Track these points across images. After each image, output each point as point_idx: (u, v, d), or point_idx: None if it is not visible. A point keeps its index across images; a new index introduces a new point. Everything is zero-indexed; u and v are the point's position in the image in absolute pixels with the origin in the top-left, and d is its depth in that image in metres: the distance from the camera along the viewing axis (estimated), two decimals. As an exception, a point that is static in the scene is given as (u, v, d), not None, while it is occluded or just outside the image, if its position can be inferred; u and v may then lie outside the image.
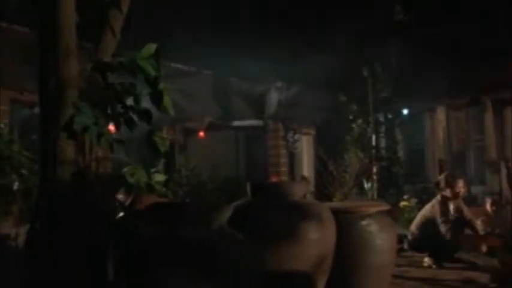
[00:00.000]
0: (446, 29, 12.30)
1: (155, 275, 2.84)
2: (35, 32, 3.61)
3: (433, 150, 14.86)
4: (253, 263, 3.19)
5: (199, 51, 11.27)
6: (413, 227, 6.71)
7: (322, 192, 10.21)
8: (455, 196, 6.56)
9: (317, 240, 3.71)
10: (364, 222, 4.16)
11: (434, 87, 13.05)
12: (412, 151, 15.29)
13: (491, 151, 13.67)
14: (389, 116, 13.79)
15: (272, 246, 3.60)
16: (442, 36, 12.61)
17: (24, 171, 5.09)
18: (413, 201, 9.83)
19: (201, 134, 13.60)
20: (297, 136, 14.65)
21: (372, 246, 4.14)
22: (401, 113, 14.15)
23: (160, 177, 3.69)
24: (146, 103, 3.47)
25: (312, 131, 15.37)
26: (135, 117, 3.50)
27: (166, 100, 3.44)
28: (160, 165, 8.21)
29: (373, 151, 12.93)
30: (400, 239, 6.26)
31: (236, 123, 14.11)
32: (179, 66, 11.95)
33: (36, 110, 3.60)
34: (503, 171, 11.13)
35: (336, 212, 4.01)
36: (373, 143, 13.12)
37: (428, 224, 6.50)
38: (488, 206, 8.02)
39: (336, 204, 6.38)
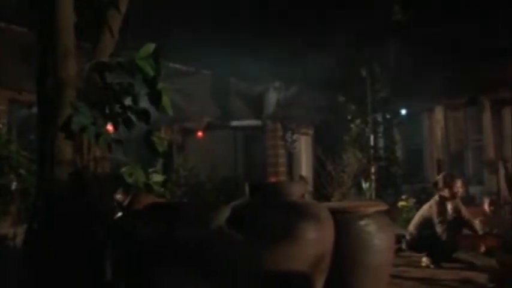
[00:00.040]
0: (445, 29, 12.30)
1: (153, 275, 2.84)
2: (33, 32, 3.62)
3: (431, 150, 14.87)
4: (251, 263, 3.19)
5: (198, 51, 11.27)
6: (412, 227, 6.72)
7: (321, 192, 10.22)
8: (453, 196, 6.57)
9: (315, 240, 3.71)
10: (362, 222, 4.16)
11: (432, 87, 13.05)
12: (410, 151, 15.30)
13: (489, 151, 13.68)
14: (388, 116, 13.79)
15: (270, 246, 3.61)
16: (441, 36, 12.61)
17: (22, 171, 5.09)
18: (412, 201, 9.83)
19: (200, 134, 13.60)
20: (295, 136, 14.65)
21: (370, 246, 4.14)
22: (399, 113, 14.15)
23: (158, 178, 3.70)
24: (144, 103, 3.47)
25: (310, 131, 15.38)
26: (133, 117, 3.50)
27: (165, 100, 3.44)
28: (159, 165, 8.21)
29: (372, 151, 12.93)
30: (398, 239, 6.27)
31: (234, 123, 14.11)
32: (177, 66, 11.94)
33: (34, 110, 3.59)
34: (501, 171, 11.14)
35: (334, 212, 4.01)
36: (372, 143, 13.12)
37: (426, 224, 6.51)
38: (486, 206, 8.03)
39: (334, 204, 6.39)
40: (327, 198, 9.52)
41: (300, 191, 4.18)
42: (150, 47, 3.39)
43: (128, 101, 3.47)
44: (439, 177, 6.91)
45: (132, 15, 3.91)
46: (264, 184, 5.95)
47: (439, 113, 14.69)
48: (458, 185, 6.65)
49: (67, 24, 3.40)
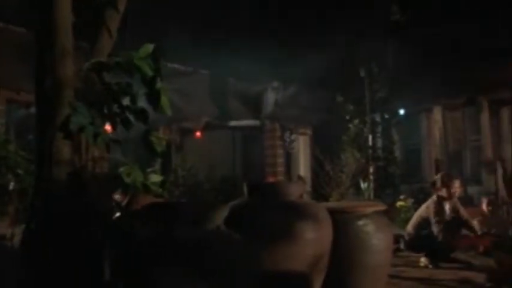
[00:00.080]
0: (444, 29, 12.31)
1: (151, 275, 2.84)
2: (31, 32, 3.61)
3: (430, 150, 14.88)
4: (249, 263, 3.19)
5: (196, 51, 11.27)
6: (410, 227, 6.73)
7: (319, 192, 10.22)
8: (451, 196, 6.57)
9: (313, 240, 3.71)
10: (360, 222, 4.17)
11: (430, 88, 13.06)
12: (408, 151, 15.31)
13: (487, 151, 13.70)
14: (386, 116, 13.80)
15: (269, 246, 3.61)
16: (439, 36, 12.62)
17: (20, 171, 5.08)
18: (410, 201, 9.85)
19: (198, 134, 13.60)
20: (293, 136, 14.66)
21: (368, 246, 4.15)
22: (397, 113, 14.16)
23: (156, 178, 3.69)
24: (143, 103, 3.47)
25: (309, 131, 15.38)
26: (131, 117, 3.49)
27: (164, 100, 3.44)
28: (157, 165, 8.21)
29: (370, 151, 12.94)
30: (397, 239, 6.28)
31: (233, 123, 14.11)
32: (176, 66, 11.95)
33: (33, 109, 3.59)
34: (499, 171, 11.13)
35: (332, 212, 4.02)
36: (370, 143, 13.14)
37: (424, 224, 6.52)
38: (484, 206, 8.04)
39: (332, 204, 6.39)
40: (325, 198, 9.52)
41: (298, 191, 4.19)
42: (149, 47, 3.39)
43: (126, 101, 3.47)
44: (437, 177, 6.92)
45: (130, 14, 3.91)
46: (262, 184, 5.95)
47: (437, 113, 14.70)
48: (456, 185, 6.66)
49: (65, 23, 3.40)
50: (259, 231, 3.59)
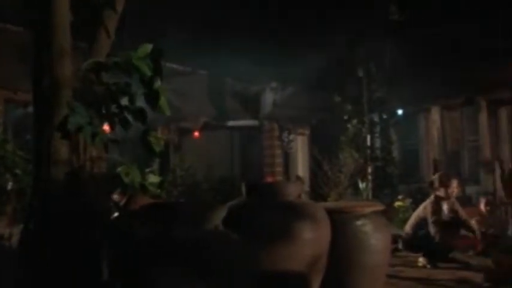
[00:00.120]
0: (443, 29, 12.31)
1: (150, 275, 2.84)
2: (29, 32, 3.60)
3: (428, 150, 14.88)
4: (248, 263, 3.19)
5: (195, 51, 11.27)
6: (408, 227, 6.74)
7: (317, 192, 10.22)
8: (448, 196, 6.58)
9: (312, 240, 3.71)
10: (358, 222, 4.17)
11: (428, 88, 13.07)
12: (406, 151, 15.31)
13: (485, 151, 13.70)
14: (384, 116, 13.79)
15: (267, 246, 3.61)
16: (437, 36, 12.63)
17: (18, 171, 5.07)
18: (408, 201, 9.86)
19: (196, 134, 13.59)
20: (291, 136, 14.66)
21: (366, 246, 4.15)
22: (395, 113, 14.16)
23: (154, 179, 3.68)
24: (141, 103, 3.46)
25: (307, 131, 15.38)
26: (129, 117, 3.48)
27: (163, 100, 3.43)
28: (155, 165, 8.20)
29: (368, 151, 12.94)
30: (395, 239, 6.28)
31: (231, 123, 14.11)
32: (174, 66, 11.93)
33: (30, 109, 3.58)
34: (498, 171, 11.13)
35: (330, 212, 4.02)
36: (368, 143, 13.13)
37: (422, 224, 6.53)
38: (482, 206, 8.06)
39: (330, 204, 6.40)
40: (324, 198, 9.52)
41: (297, 191, 4.19)
42: (148, 47, 3.38)
43: (124, 101, 3.46)
44: (435, 177, 6.94)
45: (128, 14, 3.90)
46: (260, 184, 5.95)
47: (435, 113, 14.71)
48: (454, 185, 6.67)
49: (63, 22, 3.39)
50: (258, 231, 3.59)
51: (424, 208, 6.65)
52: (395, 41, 12.94)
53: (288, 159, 14.89)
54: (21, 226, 3.41)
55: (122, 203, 3.75)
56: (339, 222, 4.03)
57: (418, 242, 6.47)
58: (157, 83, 3.36)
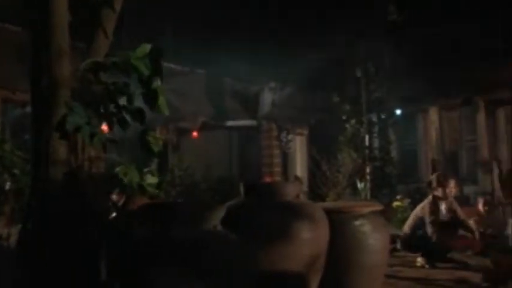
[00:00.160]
0: (442, 29, 12.33)
1: (148, 275, 2.84)
2: (27, 32, 3.59)
3: (426, 150, 14.90)
4: (246, 263, 3.19)
5: (193, 50, 11.27)
6: (406, 227, 6.74)
7: (316, 192, 10.23)
8: (446, 196, 6.59)
9: (310, 240, 3.71)
10: (357, 222, 4.17)
11: (427, 88, 13.08)
12: (405, 151, 15.32)
13: (483, 151, 13.72)
14: (383, 116, 13.80)
15: (265, 246, 3.61)
16: (436, 36, 12.64)
17: (16, 171, 5.06)
18: (406, 201, 9.86)
19: (195, 133, 13.59)
20: (290, 136, 14.66)
21: (365, 246, 4.15)
22: (394, 113, 14.16)
23: (152, 179, 3.68)
24: (139, 103, 3.46)
25: (305, 131, 15.38)
26: (128, 117, 3.48)
27: (161, 100, 3.43)
28: (154, 165, 8.19)
29: (366, 151, 12.94)
30: (393, 239, 6.28)
31: (230, 123, 14.11)
32: (172, 65, 11.93)
33: (29, 109, 3.58)
34: (495, 171, 11.16)
35: (329, 212, 4.02)
36: (366, 143, 13.14)
37: (420, 224, 6.53)
38: (480, 206, 8.06)
39: (329, 204, 6.39)
40: (322, 198, 9.53)
41: (295, 191, 4.19)
42: (146, 47, 3.38)
43: (122, 101, 3.46)
44: (433, 177, 6.94)
45: (126, 14, 3.90)
46: (258, 184, 5.96)
47: (433, 114, 14.72)
48: (452, 185, 6.67)
49: (61, 22, 3.39)
50: (256, 231, 3.59)
51: (422, 208, 6.65)
52: (395, 41, 12.95)
53: (286, 159, 14.89)
54: (20, 226, 3.41)
55: (120, 203, 3.75)
56: (338, 222, 4.03)
57: (416, 242, 6.47)
58: (156, 83, 3.36)
